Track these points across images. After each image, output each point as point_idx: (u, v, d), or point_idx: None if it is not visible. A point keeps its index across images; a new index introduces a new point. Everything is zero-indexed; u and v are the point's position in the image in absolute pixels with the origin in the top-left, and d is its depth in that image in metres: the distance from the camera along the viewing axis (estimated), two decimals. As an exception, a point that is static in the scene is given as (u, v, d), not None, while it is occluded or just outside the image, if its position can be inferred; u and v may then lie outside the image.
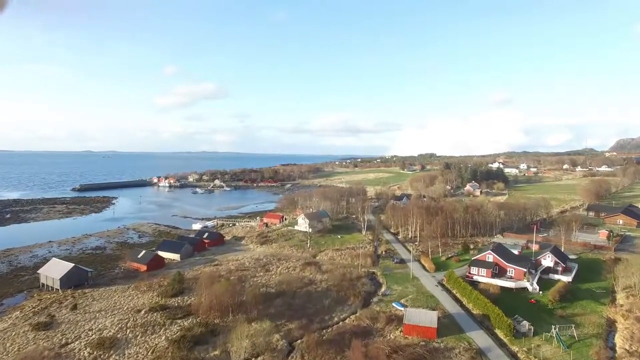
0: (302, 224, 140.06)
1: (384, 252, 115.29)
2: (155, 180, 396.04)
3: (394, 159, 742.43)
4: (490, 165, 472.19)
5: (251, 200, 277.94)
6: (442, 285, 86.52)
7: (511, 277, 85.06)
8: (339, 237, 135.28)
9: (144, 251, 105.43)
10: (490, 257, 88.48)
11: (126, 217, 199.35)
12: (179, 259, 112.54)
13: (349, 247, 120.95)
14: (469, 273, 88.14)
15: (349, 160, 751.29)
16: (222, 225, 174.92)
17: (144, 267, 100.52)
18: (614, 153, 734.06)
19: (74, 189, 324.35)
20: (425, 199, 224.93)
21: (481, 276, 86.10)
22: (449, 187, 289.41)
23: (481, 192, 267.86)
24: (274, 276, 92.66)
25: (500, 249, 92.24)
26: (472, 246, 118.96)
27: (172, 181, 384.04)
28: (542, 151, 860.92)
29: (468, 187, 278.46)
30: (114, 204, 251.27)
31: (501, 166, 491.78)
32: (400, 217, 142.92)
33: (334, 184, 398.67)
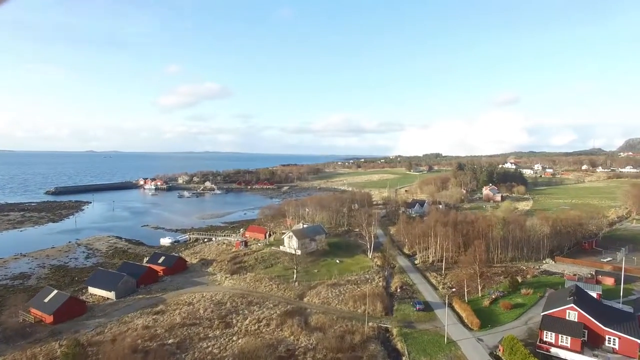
0: (289, 244, 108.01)
1: (399, 290, 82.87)
2: (142, 182, 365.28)
3: (399, 159, 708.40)
4: (502, 165, 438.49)
5: (241, 206, 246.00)
6: (499, 361, 54.13)
7: (614, 351, 52.54)
8: (338, 261, 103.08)
9: (54, 292, 73.41)
10: (573, 313, 55.97)
11: (88, 228, 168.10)
12: (114, 298, 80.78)
13: (350, 279, 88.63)
14: (542, 341, 55.66)
15: (351, 161, 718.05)
16: (197, 240, 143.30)
17: (49, 318, 68.72)
18: (630, 153, 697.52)
19: (47, 192, 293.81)
20: (441, 206, 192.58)
21: (563, 347, 53.61)
22: (464, 191, 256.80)
23: (502, 197, 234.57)
24: (234, 338, 60.54)
25: (584, 299, 59.60)
26: (519, 278, 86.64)
27: (159, 183, 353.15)
28: (547, 151, 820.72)
29: (487, 191, 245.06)
30: (82, 210, 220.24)
31: (514, 167, 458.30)
32: (417, 235, 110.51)
33: (335, 186, 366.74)
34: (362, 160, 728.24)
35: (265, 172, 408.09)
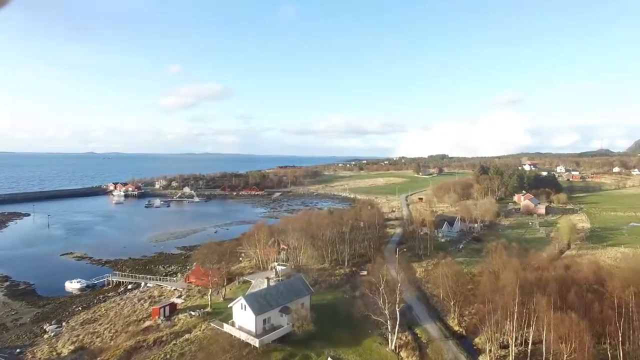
0: (243, 320, 57.64)
1: None
2: (111, 187, 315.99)
3: (403, 160, 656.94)
4: (531, 169, 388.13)
5: (217, 219, 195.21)
6: None
7: None
8: (329, 359, 52.89)
9: None
10: None
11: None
12: None
13: None
14: None
15: (353, 162, 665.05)
16: (118, 285, 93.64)
17: None
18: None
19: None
20: (476, 226, 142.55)
21: None
22: (493, 201, 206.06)
23: (546, 208, 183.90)
24: None
25: None
26: None
27: (130, 189, 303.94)
28: (552, 152, 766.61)
29: (524, 200, 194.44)
30: (6, 227, 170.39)
31: (533, 168, 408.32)
32: (483, 303, 60.17)
33: (336, 191, 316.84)
34: (364, 162, 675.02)
35: (255, 176, 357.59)
